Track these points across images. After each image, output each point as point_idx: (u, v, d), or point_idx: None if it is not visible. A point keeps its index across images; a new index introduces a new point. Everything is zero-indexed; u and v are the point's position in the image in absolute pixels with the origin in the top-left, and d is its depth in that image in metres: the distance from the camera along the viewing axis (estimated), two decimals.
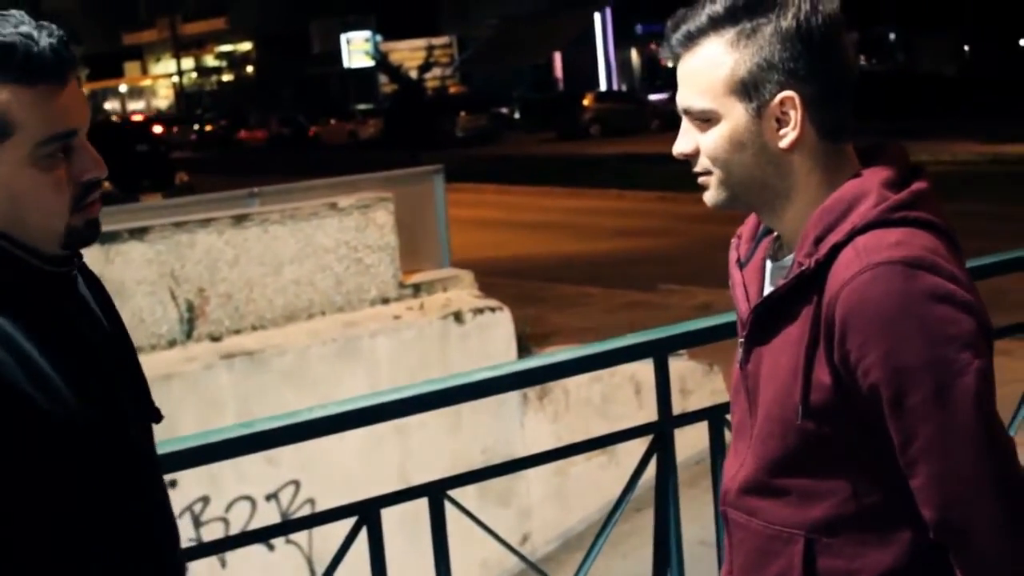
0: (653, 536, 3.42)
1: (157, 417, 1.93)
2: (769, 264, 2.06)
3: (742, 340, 2.05)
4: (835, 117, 1.94)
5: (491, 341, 9.63)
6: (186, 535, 8.23)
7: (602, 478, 9.02)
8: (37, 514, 1.71)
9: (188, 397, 8.39)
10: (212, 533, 8.34)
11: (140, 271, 8.65)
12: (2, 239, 1.72)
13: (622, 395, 9.88)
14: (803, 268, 1.90)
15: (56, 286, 1.80)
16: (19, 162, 1.70)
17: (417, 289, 9.91)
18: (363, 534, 2.92)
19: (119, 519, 1.80)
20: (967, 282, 1.87)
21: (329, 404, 2.99)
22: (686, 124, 1.98)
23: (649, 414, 3.42)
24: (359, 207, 9.47)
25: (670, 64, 2.00)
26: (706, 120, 1.95)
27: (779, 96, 1.90)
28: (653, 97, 42.93)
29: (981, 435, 1.83)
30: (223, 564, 8.54)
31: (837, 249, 1.88)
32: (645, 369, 3.46)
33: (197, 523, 8.42)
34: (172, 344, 8.77)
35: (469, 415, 9.35)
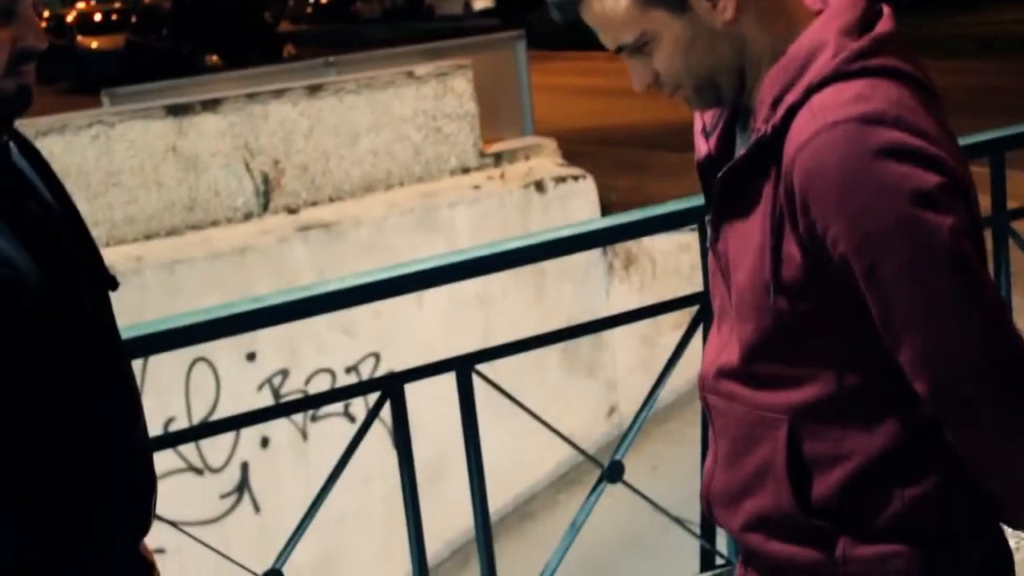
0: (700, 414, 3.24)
1: (112, 284, 1.89)
2: (738, 133, 1.89)
3: (709, 217, 1.88)
4: None
5: (573, 210, 9.42)
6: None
7: (691, 347, 8.79)
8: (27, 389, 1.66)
9: (264, 270, 8.36)
10: None
11: (214, 143, 8.57)
12: None
13: None
14: (760, 135, 1.73)
15: None
16: None
17: (498, 158, 9.70)
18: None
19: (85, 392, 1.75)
20: (939, 135, 1.67)
21: (402, 264, 2.91)
22: (629, 60, 1.83)
23: None
24: (437, 75, 9.26)
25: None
26: (644, 45, 1.79)
27: None
28: None
29: (965, 297, 1.66)
30: (304, 437, 8.58)
31: (794, 111, 1.70)
32: None
33: (277, 395, 8.43)
34: (248, 217, 8.71)
35: (553, 284, 9.21)
